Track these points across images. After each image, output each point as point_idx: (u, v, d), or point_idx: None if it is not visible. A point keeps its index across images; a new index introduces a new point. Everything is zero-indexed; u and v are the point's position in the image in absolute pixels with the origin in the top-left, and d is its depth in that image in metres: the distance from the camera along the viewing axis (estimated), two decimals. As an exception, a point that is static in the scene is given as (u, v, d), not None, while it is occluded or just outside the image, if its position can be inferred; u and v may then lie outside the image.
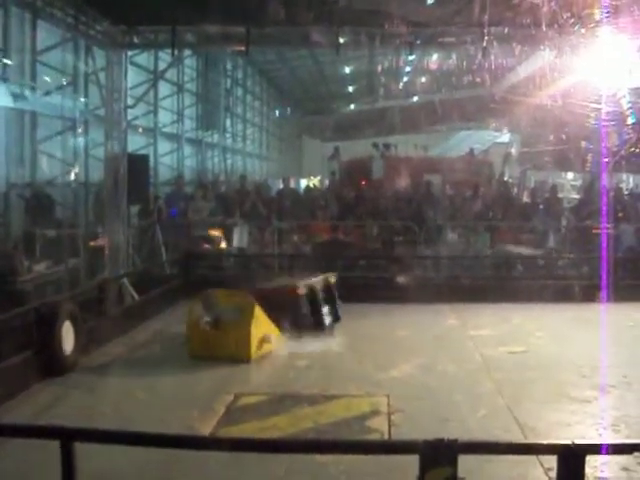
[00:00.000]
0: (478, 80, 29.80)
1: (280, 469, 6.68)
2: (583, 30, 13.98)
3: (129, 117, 17.33)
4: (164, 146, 26.79)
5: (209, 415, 8.37)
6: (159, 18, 14.82)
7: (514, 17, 14.25)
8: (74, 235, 17.40)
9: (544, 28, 13.99)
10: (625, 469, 6.69)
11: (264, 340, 10.95)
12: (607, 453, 4.72)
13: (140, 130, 23.80)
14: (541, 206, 20.76)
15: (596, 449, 4.70)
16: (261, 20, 14.44)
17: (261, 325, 11.02)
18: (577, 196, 24.41)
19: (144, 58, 23.19)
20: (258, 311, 10.96)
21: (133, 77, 20.28)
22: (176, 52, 17.58)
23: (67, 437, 4.31)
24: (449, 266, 17.86)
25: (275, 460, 6.55)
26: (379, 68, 38.19)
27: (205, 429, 7.88)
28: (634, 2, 13.11)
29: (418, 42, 15.40)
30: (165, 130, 26.96)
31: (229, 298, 11.38)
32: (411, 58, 31.63)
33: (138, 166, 16.41)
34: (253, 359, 10.80)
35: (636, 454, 6.12)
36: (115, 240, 15.49)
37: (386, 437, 7.70)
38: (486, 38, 14.68)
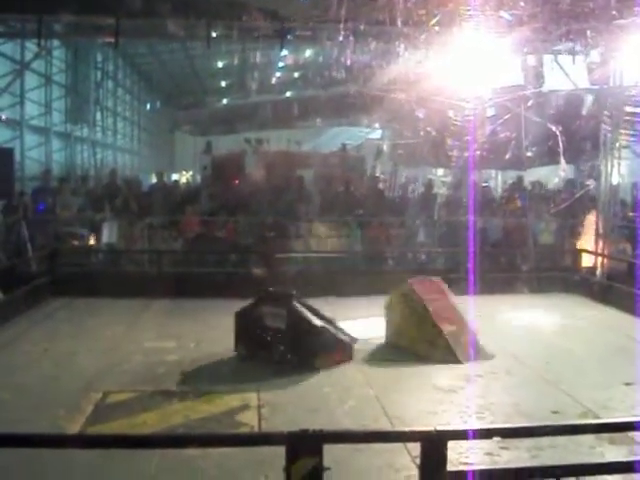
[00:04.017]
0: (348, 77, 30.07)
1: (150, 466, 6.62)
2: (437, 28, 14.33)
3: (-7, 109, 16.84)
4: (31, 139, 26.00)
5: (76, 414, 8.21)
6: (25, 6, 14.45)
7: (370, 13, 14.49)
8: None
9: (399, 24, 14.27)
10: (489, 454, 6.92)
11: None
12: (467, 438, 4.87)
13: (5, 121, 23.08)
14: (413, 201, 21.14)
15: (457, 435, 4.84)
16: (127, 10, 14.25)
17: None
18: (447, 192, 24.90)
19: (10, 47, 22.49)
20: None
21: (-2, 67, 19.74)
22: (43, 42, 17.15)
23: None
24: (320, 261, 17.97)
25: (145, 457, 6.49)
26: (251, 63, 38.12)
27: (72, 428, 7.73)
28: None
29: (287, 37, 15.48)
30: (32, 123, 26.18)
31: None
32: (283, 54, 31.75)
33: (2, 160, 15.98)
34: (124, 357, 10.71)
35: (498, 439, 6.33)
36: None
37: (256, 430, 7.74)
38: (342, 33, 14.88)
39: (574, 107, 20.05)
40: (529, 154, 20.82)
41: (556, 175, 22.72)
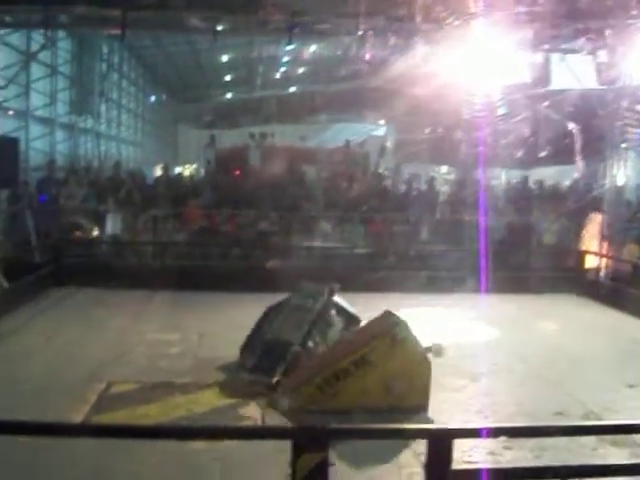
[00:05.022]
0: (355, 72, 30.07)
1: (153, 458, 6.62)
2: (457, 23, 14.28)
3: (-1, 99, 16.83)
4: (36, 130, 26.00)
5: (80, 404, 8.20)
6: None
7: (389, 9, 14.45)
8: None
9: (418, 20, 14.23)
10: (492, 453, 6.90)
11: None
12: (474, 436, 4.87)
13: (11, 113, 23.08)
14: (416, 198, 21.10)
15: (464, 433, 4.84)
16: (137, 3, 14.21)
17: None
18: (449, 189, 24.87)
19: (16, 38, 22.46)
20: None
21: (4, 58, 19.70)
22: (49, 33, 17.13)
23: None
24: (323, 256, 17.97)
25: (148, 449, 6.49)
26: (257, 57, 38.14)
27: (76, 418, 7.72)
28: None
29: (295, 30, 15.43)
30: (37, 114, 26.19)
31: None
32: (289, 48, 31.71)
33: (7, 150, 15.94)
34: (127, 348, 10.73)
35: (502, 439, 6.33)
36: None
37: (260, 424, 7.73)
38: (362, 27, 14.84)
39: (583, 107, 20.01)
40: (542, 154, 20.80)
41: (562, 175, 22.76)
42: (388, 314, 8.84)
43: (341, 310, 10.28)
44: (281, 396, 8.35)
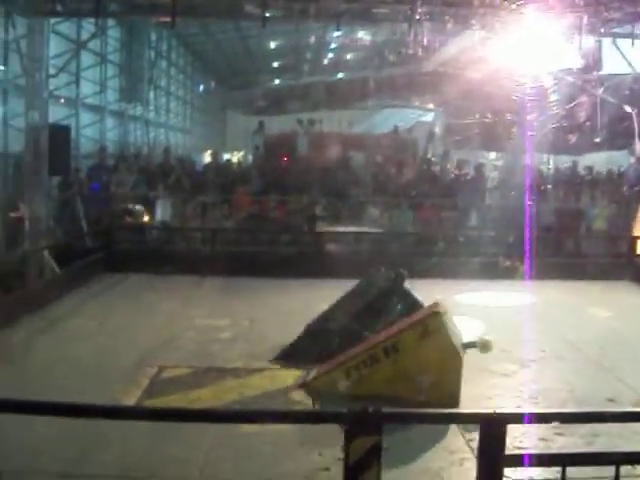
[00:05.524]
0: (405, 57, 29.89)
1: (205, 441, 6.68)
2: (513, 6, 14.17)
3: (50, 87, 16.98)
4: (86, 118, 26.27)
5: (132, 387, 8.31)
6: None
7: None
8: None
9: (475, 5, 14.15)
10: (543, 439, 6.87)
11: None
12: (528, 422, 4.85)
13: (62, 101, 23.31)
14: (464, 184, 21.00)
15: (517, 418, 4.82)
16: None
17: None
18: (498, 175, 24.72)
19: (67, 27, 22.67)
20: None
21: (55, 46, 19.86)
22: (100, 22, 17.26)
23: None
24: (372, 242, 17.96)
25: (199, 432, 6.55)
26: (305, 43, 38.12)
27: (129, 401, 7.81)
28: None
29: (348, 16, 15.41)
30: (87, 101, 26.44)
31: None
32: (337, 34, 31.66)
33: (59, 137, 16.12)
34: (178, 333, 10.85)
35: (554, 424, 6.29)
36: (36, 212, 15.21)
37: (310, 408, 7.77)
38: (419, 11, 14.77)
39: (638, 91, 19.78)
40: (597, 139, 20.57)
41: (612, 161, 22.47)
42: (435, 304, 8.70)
43: (405, 296, 10.18)
44: (311, 379, 8.40)
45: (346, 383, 8.08)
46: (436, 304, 8.67)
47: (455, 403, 7.81)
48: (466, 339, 8.62)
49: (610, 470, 4.56)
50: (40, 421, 5.43)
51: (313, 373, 8.62)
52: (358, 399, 7.54)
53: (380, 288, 10.22)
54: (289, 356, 9.69)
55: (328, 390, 8.12)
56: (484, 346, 8.59)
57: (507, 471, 4.50)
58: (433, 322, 8.17)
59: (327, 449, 6.28)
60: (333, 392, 8.04)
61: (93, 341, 10.36)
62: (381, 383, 7.94)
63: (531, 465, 4.82)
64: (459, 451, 6.67)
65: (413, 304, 10.03)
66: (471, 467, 5.61)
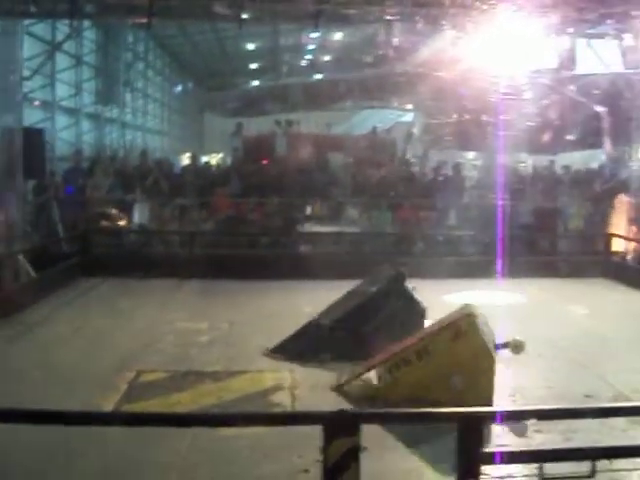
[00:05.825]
0: (381, 58, 29.95)
1: (182, 445, 6.65)
2: (485, 6, 14.22)
3: (25, 90, 16.85)
4: (62, 120, 26.12)
5: (110, 392, 8.26)
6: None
7: None
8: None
9: (445, 5, 14.19)
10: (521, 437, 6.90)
11: None
12: (504, 419, 4.88)
13: (37, 103, 23.18)
14: (443, 184, 21.07)
15: (493, 416, 4.85)
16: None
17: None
18: (477, 175, 24.80)
19: (41, 28, 22.51)
20: None
21: (29, 48, 19.73)
22: (75, 23, 17.16)
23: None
24: (350, 243, 17.97)
25: (177, 436, 6.52)
26: (283, 45, 38.09)
27: (107, 406, 7.77)
28: None
29: (321, 17, 15.40)
30: (63, 104, 26.29)
31: None
32: (315, 35, 31.65)
33: (34, 140, 16.04)
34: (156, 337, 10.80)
35: (531, 421, 6.32)
36: (10, 215, 15.10)
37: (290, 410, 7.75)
38: (389, 12, 14.79)
39: (609, 90, 19.89)
40: (569, 137, 20.67)
41: (588, 160, 22.59)
42: (466, 305, 8.68)
43: (403, 295, 10.28)
44: (344, 382, 8.44)
45: (378, 386, 8.17)
46: (467, 305, 8.69)
47: (489, 403, 7.78)
48: (499, 340, 8.67)
49: (588, 465, 4.59)
50: (17, 429, 5.38)
51: (345, 376, 8.61)
52: (391, 402, 7.59)
53: (380, 286, 10.33)
54: (284, 348, 9.84)
55: (361, 393, 8.21)
56: (517, 347, 8.67)
57: (487, 468, 4.51)
58: (465, 324, 8.18)
59: (306, 451, 6.26)
60: (366, 395, 8.13)
61: (70, 346, 10.30)
62: (414, 385, 7.93)
63: (509, 462, 4.84)
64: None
65: (411, 304, 10.21)
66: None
